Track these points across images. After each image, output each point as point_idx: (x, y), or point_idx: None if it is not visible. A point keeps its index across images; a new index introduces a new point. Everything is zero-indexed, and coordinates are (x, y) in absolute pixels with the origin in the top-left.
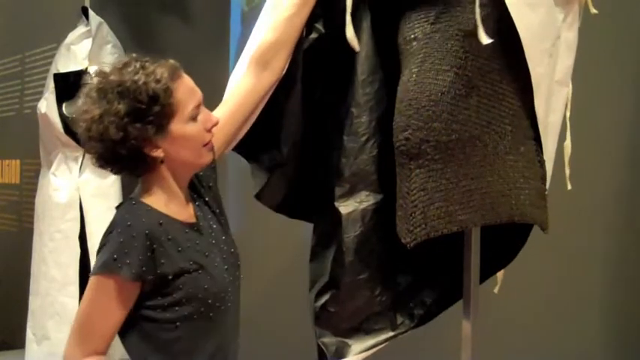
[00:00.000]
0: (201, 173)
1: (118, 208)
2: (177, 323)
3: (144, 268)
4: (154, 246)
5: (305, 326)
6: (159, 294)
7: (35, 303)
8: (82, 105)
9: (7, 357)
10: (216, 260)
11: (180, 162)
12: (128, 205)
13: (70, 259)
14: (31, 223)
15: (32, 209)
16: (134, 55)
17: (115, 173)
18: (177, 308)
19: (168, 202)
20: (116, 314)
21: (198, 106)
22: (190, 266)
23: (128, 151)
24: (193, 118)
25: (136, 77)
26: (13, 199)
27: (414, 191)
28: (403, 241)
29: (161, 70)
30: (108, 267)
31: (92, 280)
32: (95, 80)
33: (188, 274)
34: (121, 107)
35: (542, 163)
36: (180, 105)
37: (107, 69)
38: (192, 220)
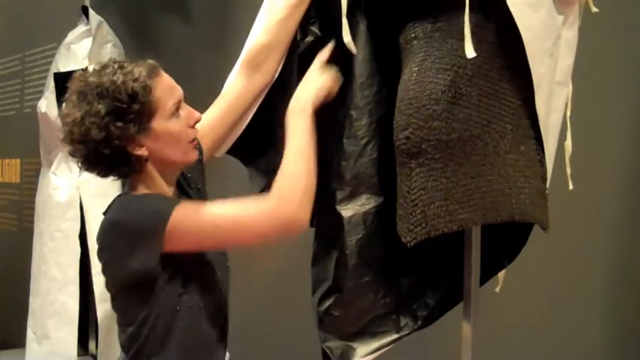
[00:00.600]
0: (189, 175)
1: (108, 208)
2: None
3: None
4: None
5: (306, 330)
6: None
7: (35, 302)
8: (63, 109)
9: (8, 356)
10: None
11: (165, 160)
12: (122, 197)
13: (70, 259)
14: (32, 222)
15: (32, 208)
16: (112, 58)
17: (102, 176)
18: None
19: None
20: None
21: (178, 103)
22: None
23: (112, 151)
24: (175, 115)
25: (115, 77)
26: (13, 199)
27: (414, 190)
28: (403, 240)
29: (139, 70)
30: (163, 212)
31: (173, 219)
32: (75, 84)
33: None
34: (101, 107)
35: (542, 162)
36: (160, 102)
37: (86, 72)
38: None
